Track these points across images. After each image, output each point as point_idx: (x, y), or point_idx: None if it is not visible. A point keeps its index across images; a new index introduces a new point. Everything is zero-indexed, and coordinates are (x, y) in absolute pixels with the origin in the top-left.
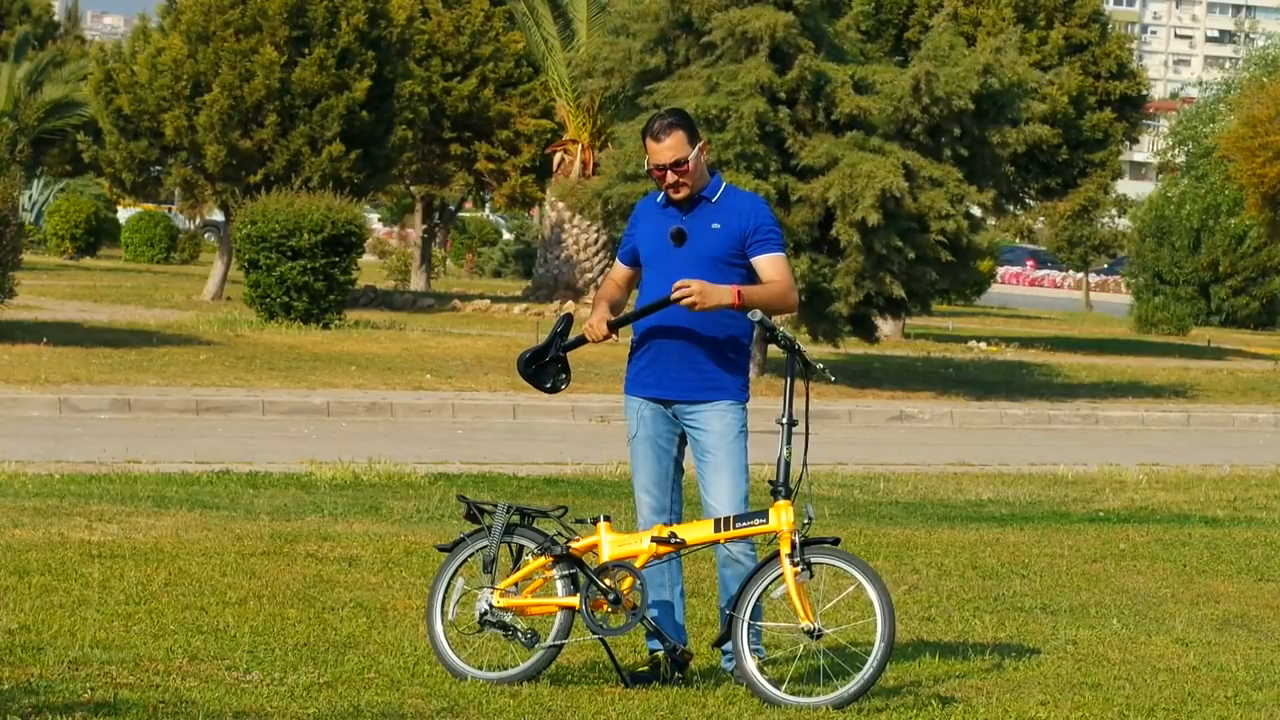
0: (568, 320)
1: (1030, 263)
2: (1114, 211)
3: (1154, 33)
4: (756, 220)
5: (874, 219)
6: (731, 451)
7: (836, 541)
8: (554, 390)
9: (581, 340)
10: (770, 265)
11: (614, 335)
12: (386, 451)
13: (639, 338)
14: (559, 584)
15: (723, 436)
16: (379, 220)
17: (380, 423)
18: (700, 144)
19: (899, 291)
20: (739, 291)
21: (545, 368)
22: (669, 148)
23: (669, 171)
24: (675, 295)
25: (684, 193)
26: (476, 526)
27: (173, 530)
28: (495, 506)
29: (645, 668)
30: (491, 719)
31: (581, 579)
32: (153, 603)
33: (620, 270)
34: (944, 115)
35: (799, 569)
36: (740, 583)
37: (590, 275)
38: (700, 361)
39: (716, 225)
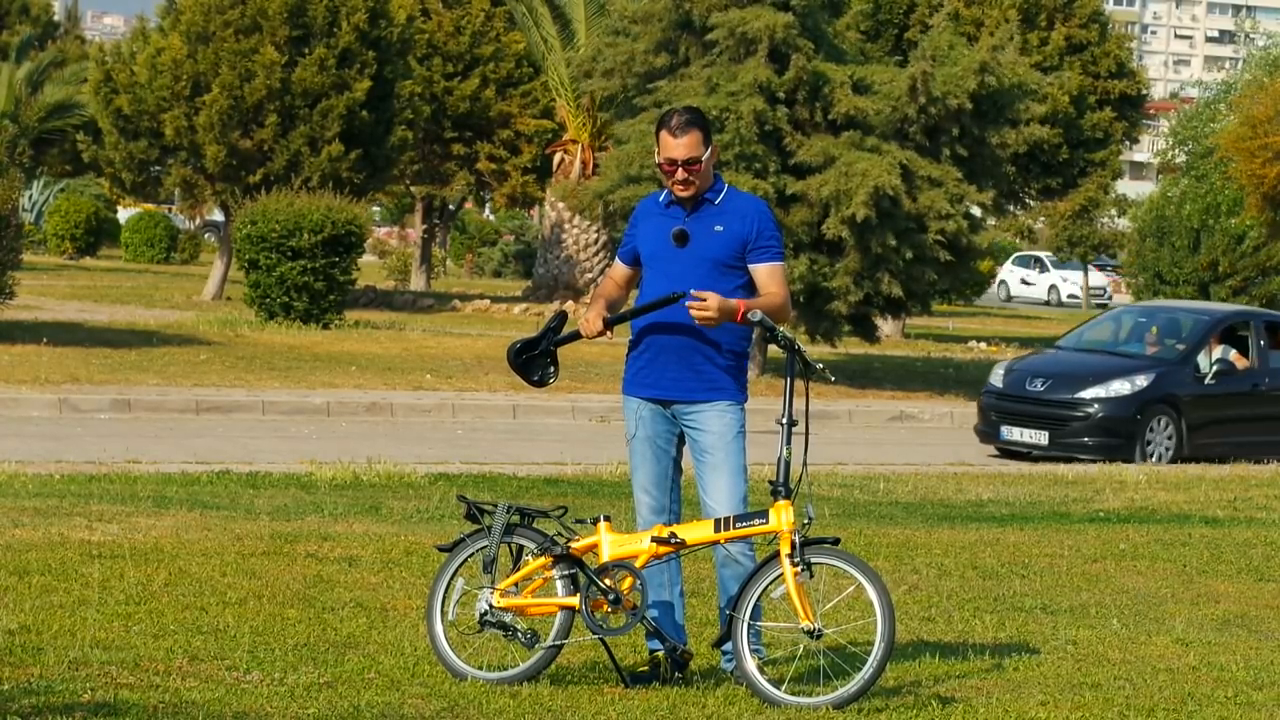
0: (562, 317)
1: None
2: (1114, 211)
3: (1154, 33)
4: (759, 226)
5: (863, 214)
6: (730, 452)
7: (836, 541)
8: (541, 384)
9: (576, 335)
10: (769, 275)
11: (608, 333)
12: (386, 451)
13: (637, 338)
14: (559, 584)
15: (721, 437)
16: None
17: (380, 423)
18: (712, 147)
19: (897, 291)
20: (743, 309)
21: (535, 360)
22: (685, 145)
23: (680, 168)
24: (693, 309)
25: (690, 191)
26: (476, 526)
27: (173, 530)
28: (495, 506)
29: (645, 668)
30: (491, 719)
31: (581, 579)
32: (153, 603)
33: (620, 269)
34: (941, 115)
35: (799, 569)
36: (739, 582)
37: (590, 275)
38: (699, 362)
39: (719, 228)
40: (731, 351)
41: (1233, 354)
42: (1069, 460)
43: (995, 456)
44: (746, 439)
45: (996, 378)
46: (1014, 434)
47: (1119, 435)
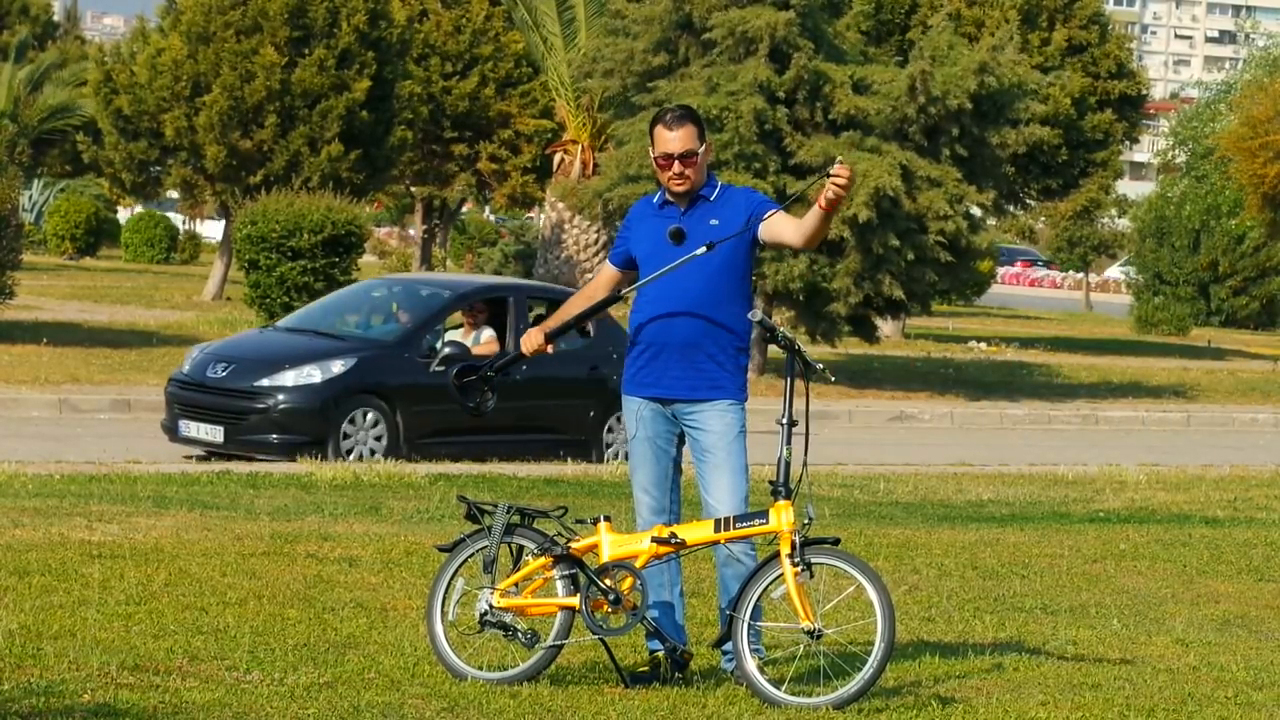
0: (519, 358)
1: None
2: (1114, 212)
3: (1154, 33)
4: (755, 201)
5: (865, 215)
6: (731, 451)
7: (836, 542)
8: (477, 411)
9: (519, 358)
10: (786, 218)
11: (549, 347)
12: None
13: (637, 337)
14: (559, 584)
15: (722, 436)
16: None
17: None
18: (707, 144)
19: (898, 292)
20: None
21: (475, 384)
22: (680, 139)
23: (676, 161)
24: (836, 177)
25: (685, 186)
26: (476, 527)
27: (173, 530)
28: (495, 507)
29: (645, 668)
30: (491, 719)
31: (582, 579)
32: (153, 603)
33: (608, 271)
34: (941, 115)
35: (799, 569)
36: (740, 582)
37: (590, 275)
38: (699, 361)
39: (715, 221)
40: (732, 350)
41: (485, 337)
42: (249, 459)
43: (193, 458)
44: (747, 438)
45: (186, 361)
46: (191, 429)
47: (305, 432)
